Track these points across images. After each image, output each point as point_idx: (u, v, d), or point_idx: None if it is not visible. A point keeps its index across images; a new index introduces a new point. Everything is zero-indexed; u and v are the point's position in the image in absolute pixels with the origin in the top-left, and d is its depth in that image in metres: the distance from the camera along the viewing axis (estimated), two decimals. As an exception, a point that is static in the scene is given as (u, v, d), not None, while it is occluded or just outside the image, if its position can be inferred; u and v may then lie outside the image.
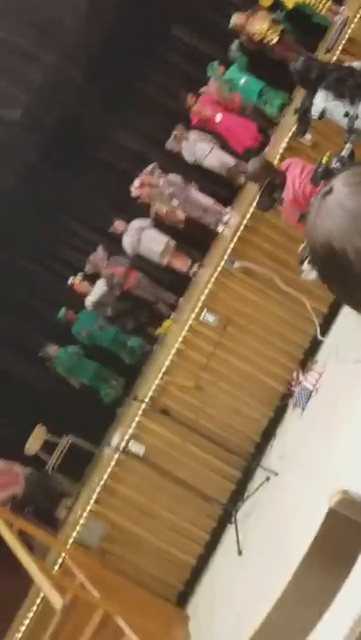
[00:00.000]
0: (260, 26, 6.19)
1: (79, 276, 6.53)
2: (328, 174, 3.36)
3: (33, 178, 6.73)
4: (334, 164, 3.41)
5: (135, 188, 6.38)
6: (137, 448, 4.69)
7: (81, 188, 7.06)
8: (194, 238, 6.48)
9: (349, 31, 5.36)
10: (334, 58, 5.23)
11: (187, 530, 4.81)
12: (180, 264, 6.42)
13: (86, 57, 6.89)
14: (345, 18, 5.67)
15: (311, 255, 0.92)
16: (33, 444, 6.20)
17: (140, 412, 4.78)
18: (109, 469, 4.72)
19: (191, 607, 4.54)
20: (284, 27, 6.18)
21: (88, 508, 4.64)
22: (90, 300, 6.45)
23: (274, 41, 6.14)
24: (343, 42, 5.32)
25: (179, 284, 6.49)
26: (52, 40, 6.94)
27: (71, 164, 6.75)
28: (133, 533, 4.70)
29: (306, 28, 6.20)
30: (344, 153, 3.49)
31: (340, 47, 5.30)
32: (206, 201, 6.36)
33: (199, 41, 6.93)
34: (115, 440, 4.94)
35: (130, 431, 4.77)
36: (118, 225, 6.51)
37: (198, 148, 6.41)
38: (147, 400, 4.73)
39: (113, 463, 4.73)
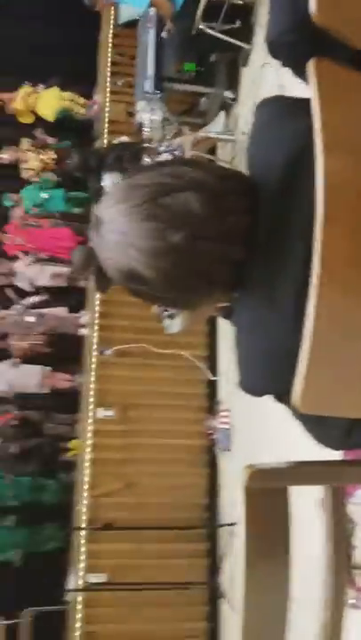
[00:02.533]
0: (35, 162, 6.69)
1: None
2: None
3: None
4: None
5: None
6: (97, 578, 4.51)
7: None
8: (65, 352, 6.26)
9: (107, 115, 5.97)
10: (105, 142, 5.75)
11: (182, 629, 4.60)
12: (63, 383, 6.19)
13: None
14: (99, 105, 6.23)
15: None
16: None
17: (83, 541, 4.62)
18: (79, 615, 4.54)
19: None
20: (54, 146, 6.69)
21: None
22: None
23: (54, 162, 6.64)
24: (106, 125, 5.92)
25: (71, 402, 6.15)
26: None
27: None
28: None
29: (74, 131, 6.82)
30: None
31: (106, 131, 5.86)
32: (61, 312, 6.36)
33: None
34: (72, 583, 4.66)
35: (82, 565, 4.58)
36: None
37: (29, 274, 6.53)
38: (85, 525, 4.62)
39: (80, 607, 4.53)
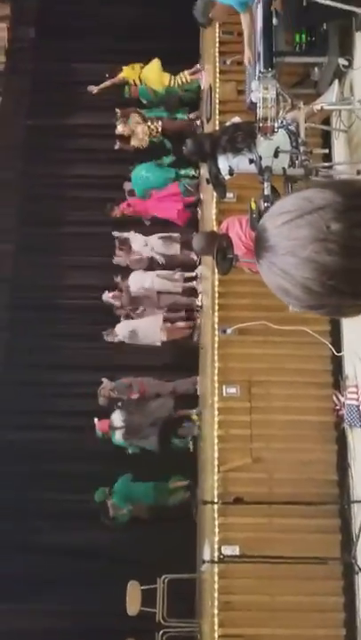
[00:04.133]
0: (141, 132, 7.28)
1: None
2: (261, 216, 3.52)
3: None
4: (263, 206, 3.81)
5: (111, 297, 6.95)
6: (231, 550, 4.71)
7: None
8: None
9: (217, 95, 6.13)
10: (217, 123, 5.91)
11: (319, 603, 4.76)
12: (180, 331, 6.69)
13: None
14: (208, 86, 6.47)
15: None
16: (133, 605, 5.85)
17: (216, 515, 4.85)
18: (216, 586, 4.79)
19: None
20: (159, 115, 7.39)
21: (216, 635, 4.74)
22: (119, 431, 6.46)
23: (159, 129, 7.31)
24: (217, 106, 6.10)
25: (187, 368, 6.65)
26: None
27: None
28: (271, 636, 4.73)
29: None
30: (266, 192, 3.85)
31: (217, 111, 6.06)
32: (174, 279, 6.80)
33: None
34: (206, 554, 4.97)
35: (216, 538, 4.82)
36: (110, 334, 6.78)
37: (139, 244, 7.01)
38: (216, 500, 4.84)
39: (216, 578, 4.79)
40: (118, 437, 6.43)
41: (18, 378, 7.28)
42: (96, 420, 6.61)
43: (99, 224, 7.60)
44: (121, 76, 7.48)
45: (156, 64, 7.40)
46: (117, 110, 7.46)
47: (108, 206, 7.27)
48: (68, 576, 6.55)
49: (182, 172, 7.22)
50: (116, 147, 7.57)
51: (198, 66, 7.25)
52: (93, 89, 7.57)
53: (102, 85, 7.54)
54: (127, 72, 7.44)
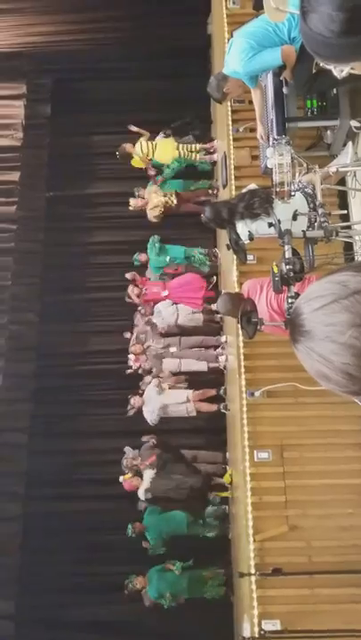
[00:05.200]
0: (157, 199, 7.44)
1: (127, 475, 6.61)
2: (284, 279, 3.83)
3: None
4: (285, 268, 3.84)
5: (134, 362, 7.04)
6: (272, 625, 4.52)
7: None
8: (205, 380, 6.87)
9: (232, 161, 6.21)
10: (234, 188, 6.02)
11: None
12: (209, 406, 6.69)
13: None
14: (223, 153, 6.54)
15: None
16: None
17: (254, 587, 4.67)
18: None
19: None
20: (174, 189, 7.62)
21: None
22: (142, 491, 6.45)
23: (175, 203, 7.50)
24: (233, 172, 6.20)
25: (216, 437, 6.68)
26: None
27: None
28: None
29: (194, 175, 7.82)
30: (287, 255, 3.89)
31: (233, 177, 6.18)
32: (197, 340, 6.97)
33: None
34: (246, 630, 4.76)
35: (255, 612, 4.62)
36: (135, 401, 6.85)
37: (166, 314, 7.18)
38: (253, 571, 4.66)
39: None
40: (141, 494, 6.44)
41: (44, 447, 7.23)
42: (121, 478, 6.58)
43: (120, 289, 7.74)
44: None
45: (167, 144, 7.63)
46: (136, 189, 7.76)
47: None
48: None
49: (194, 253, 7.44)
50: (131, 207, 7.77)
51: (215, 143, 7.49)
52: (133, 128, 7.79)
53: (138, 129, 7.77)
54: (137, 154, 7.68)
